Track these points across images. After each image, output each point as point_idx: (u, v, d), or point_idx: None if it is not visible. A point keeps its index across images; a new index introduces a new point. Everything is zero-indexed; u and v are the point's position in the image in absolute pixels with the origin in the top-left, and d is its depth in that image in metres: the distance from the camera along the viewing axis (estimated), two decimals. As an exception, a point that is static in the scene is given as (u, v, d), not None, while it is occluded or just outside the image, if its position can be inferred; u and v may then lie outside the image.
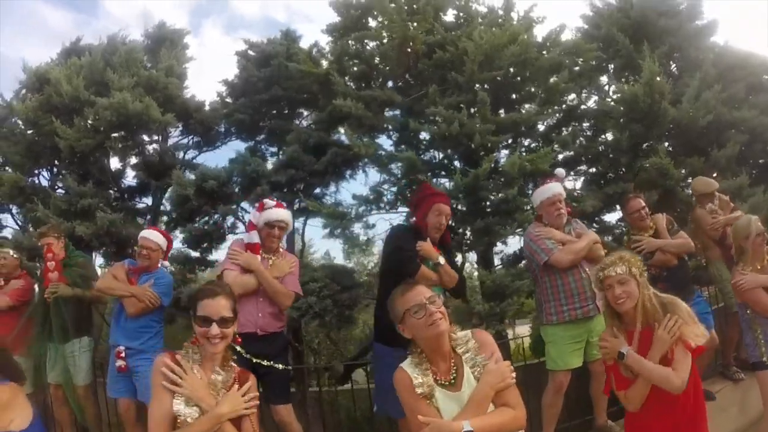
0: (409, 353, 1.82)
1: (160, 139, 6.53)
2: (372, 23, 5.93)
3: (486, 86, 4.81)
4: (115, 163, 6.74)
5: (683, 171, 5.45)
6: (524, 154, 4.66)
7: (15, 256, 4.08)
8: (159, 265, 3.55)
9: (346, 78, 5.08)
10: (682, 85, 5.93)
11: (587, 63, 5.99)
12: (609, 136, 5.87)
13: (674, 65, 6.79)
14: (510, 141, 4.90)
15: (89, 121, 6.15)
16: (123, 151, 6.36)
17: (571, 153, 5.46)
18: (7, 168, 6.58)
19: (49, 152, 6.52)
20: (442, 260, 2.80)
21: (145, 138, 6.41)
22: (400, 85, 5.08)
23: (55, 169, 6.92)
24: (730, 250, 3.85)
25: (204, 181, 4.88)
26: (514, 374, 1.75)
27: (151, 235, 3.50)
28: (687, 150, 5.72)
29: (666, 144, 5.81)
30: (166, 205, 6.33)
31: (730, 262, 3.76)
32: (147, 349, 3.28)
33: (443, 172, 4.81)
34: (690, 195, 5.08)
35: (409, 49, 4.86)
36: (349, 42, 5.22)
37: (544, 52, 5.56)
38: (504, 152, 5.05)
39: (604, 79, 6.81)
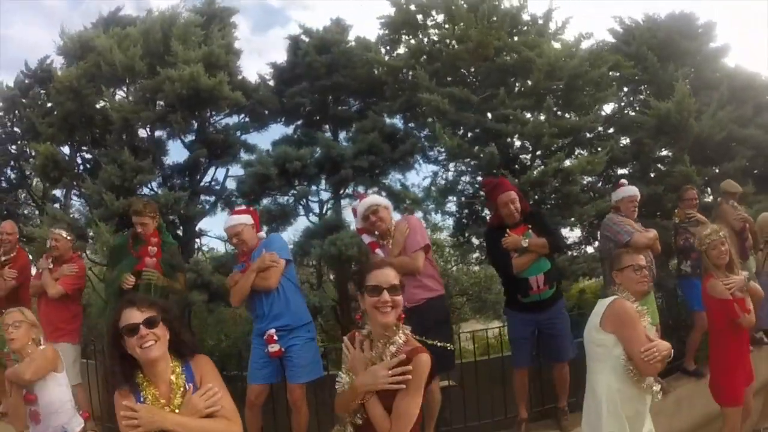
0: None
1: (222, 116, 6.68)
2: (431, 21, 6.41)
3: (549, 93, 5.43)
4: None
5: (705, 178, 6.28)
6: (582, 155, 5.34)
7: (68, 237, 3.90)
8: (257, 239, 3.29)
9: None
10: (700, 103, 6.77)
11: (623, 78, 6.73)
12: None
13: (690, 84, 7.65)
14: (567, 143, 5.56)
15: (147, 93, 6.20)
16: (183, 127, 6.27)
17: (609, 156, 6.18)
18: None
19: (86, 123, 6.41)
20: (525, 243, 3.29)
21: (208, 114, 6.47)
22: (470, 83, 5.62)
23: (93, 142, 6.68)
24: (746, 242, 4.74)
25: (288, 161, 5.21)
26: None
27: (235, 221, 3.25)
28: (703, 161, 6.57)
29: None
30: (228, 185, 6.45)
31: (744, 253, 4.65)
32: (295, 324, 3.12)
33: (517, 167, 5.41)
34: (706, 200, 5.96)
35: (481, 52, 5.38)
36: (424, 40, 5.68)
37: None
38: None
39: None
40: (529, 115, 5.14)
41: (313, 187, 5.89)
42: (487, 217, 4.78)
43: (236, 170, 6.48)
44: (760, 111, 7.21)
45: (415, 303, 2.99)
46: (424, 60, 5.61)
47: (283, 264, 3.10)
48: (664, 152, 6.81)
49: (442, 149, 5.37)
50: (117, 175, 5.54)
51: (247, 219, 3.26)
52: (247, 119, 7.04)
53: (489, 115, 5.37)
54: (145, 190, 6.11)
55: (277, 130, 7.19)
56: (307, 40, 7.07)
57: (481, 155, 4.96)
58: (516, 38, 5.99)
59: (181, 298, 4.27)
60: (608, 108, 6.78)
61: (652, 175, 6.29)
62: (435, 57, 5.71)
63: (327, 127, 6.67)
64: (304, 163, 5.24)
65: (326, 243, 4.77)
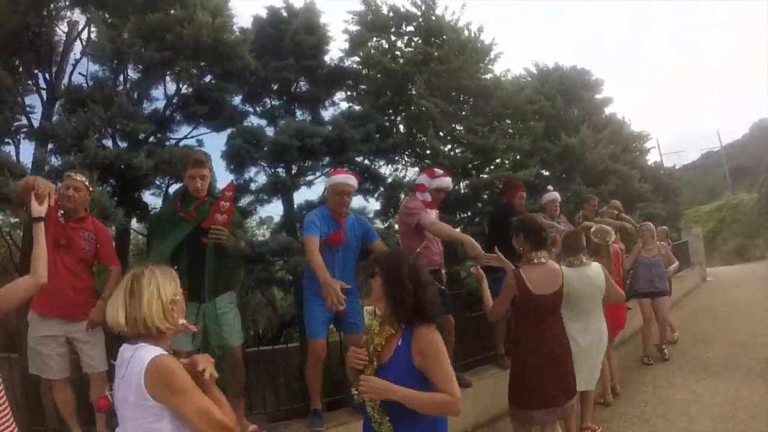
0: None
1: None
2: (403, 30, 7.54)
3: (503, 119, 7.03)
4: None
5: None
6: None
7: (90, 188, 3.16)
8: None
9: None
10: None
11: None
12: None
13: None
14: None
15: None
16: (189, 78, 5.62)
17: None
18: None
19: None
20: None
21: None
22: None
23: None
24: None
25: (307, 136, 5.51)
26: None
27: (351, 180, 3.36)
28: (588, 182, 8.86)
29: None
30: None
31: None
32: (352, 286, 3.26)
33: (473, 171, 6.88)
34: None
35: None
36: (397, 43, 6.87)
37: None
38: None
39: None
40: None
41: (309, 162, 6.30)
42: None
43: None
44: (625, 151, 9.86)
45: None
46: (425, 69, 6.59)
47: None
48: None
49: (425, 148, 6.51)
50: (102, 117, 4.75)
51: (355, 183, 3.43)
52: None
53: (456, 126, 6.74)
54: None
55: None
56: (285, 15, 6.94)
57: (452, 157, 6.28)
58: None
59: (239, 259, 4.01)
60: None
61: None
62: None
63: (294, 106, 7.01)
64: (318, 141, 5.57)
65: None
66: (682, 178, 16.54)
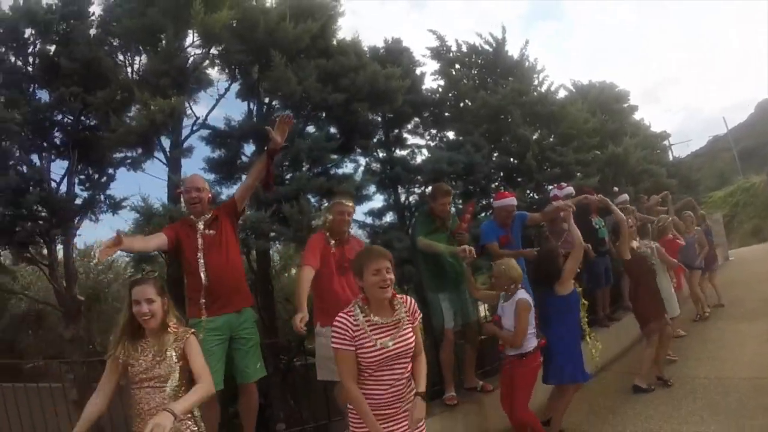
0: None
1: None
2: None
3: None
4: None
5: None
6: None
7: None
8: None
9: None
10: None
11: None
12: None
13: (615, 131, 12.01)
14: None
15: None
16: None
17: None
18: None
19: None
20: None
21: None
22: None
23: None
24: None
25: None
26: None
27: (514, 200, 5.04)
28: (629, 184, 10.86)
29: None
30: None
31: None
32: None
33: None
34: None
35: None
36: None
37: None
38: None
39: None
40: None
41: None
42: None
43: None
44: (650, 150, 11.91)
45: None
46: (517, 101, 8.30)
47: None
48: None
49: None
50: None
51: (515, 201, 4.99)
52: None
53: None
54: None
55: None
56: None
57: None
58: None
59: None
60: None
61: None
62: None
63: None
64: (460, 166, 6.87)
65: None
66: (693, 166, 18.18)
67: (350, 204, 3.77)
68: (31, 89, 6.78)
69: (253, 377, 3.46)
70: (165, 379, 2.54)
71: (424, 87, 8.09)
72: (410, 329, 2.59)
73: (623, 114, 11.92)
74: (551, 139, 8.49)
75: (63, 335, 7.17)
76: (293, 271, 10.32)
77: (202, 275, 3.35)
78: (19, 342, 10.39)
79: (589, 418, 4.60)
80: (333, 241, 3.66)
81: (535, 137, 8.12)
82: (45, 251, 6.88)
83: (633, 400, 4.83)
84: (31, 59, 6.70)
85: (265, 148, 3.34)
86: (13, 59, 6.69)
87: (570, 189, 6.00)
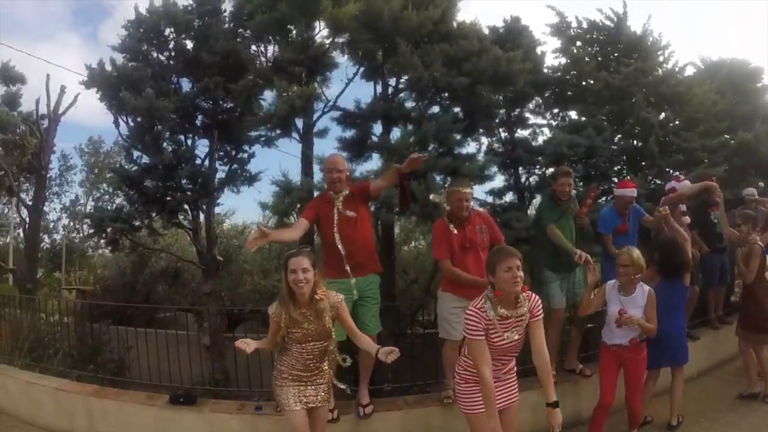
0: None
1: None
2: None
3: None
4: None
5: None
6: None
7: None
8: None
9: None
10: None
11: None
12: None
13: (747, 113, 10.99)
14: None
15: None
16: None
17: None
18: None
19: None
20: None
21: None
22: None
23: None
24: None
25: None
26: None
27: (633, 192, 4.93)
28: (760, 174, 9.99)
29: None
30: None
31: None
32: None
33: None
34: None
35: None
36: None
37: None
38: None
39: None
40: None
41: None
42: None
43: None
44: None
45: None
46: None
47: None
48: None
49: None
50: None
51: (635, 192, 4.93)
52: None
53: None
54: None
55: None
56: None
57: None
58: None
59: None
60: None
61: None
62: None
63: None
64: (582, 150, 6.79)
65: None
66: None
67: (467, 190, 3.96)
68: (175, 80, 7.75)
69: (373, 331, 3.91)
70: (320, 338, 3.06)
71: (545, 65, 8.09)
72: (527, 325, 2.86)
73: (756, 95, 10.87)
74: (676, 123, 8.05)
75: (202, 289, 8.25)
76: (413, 244, 10.91)
77: (339, 246, 3.87)
78: (154, 294, 11.89)
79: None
80: (452, 225, 3.95)
81: (659, 120, 7.74)
82: (190, 218, 7.87)
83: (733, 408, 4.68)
84: (172, 54, 7.64)
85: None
86: (155, 54, 7.69)
87: (687, 183, 5.46)
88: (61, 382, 5.06)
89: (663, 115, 8.20)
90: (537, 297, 2.91)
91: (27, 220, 12.66)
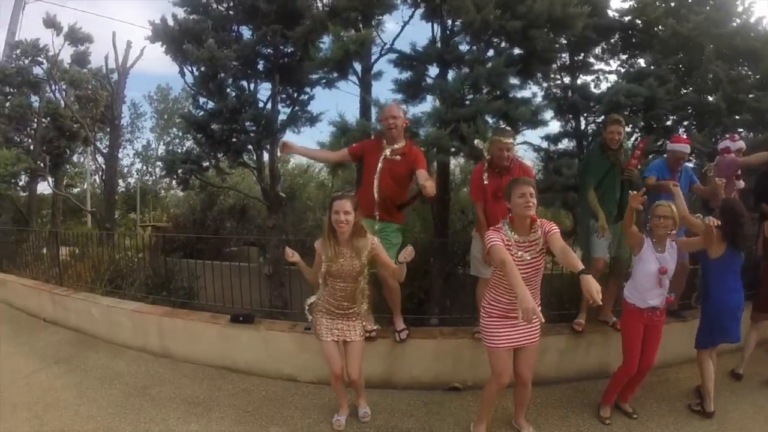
0: None
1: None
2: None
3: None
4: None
5: None
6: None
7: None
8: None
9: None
10: None
11: None
12: None
13: None
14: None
15: None
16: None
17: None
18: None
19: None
20: None
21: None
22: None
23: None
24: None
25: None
26: None
27: (686, 149, 4.83)
28: None
29: None
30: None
31: None
32: None
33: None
34: None
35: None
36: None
37: None
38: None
39: None
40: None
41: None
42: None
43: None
44: None
45: None
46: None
47: None
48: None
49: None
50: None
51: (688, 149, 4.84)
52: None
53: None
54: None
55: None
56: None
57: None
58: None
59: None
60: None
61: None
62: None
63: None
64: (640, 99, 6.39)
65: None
66: None
67: (509, 140, 4.05)
68: (235, 29, 8.00)
69: None
70: (358, 275, 3.45)
71: (613, 9, 7.64)
72: (543, 251, 3.17)
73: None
74: (749, 81, 7.42)
75: (266, 224, 8.91)
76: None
77: (375, 192, 4.20)
78: (222, 230, 12.88)
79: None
80: (486, 174, 4.18)
81: (729, 74, 7.18)
82: (254, 158, 8.38)
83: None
84: (231, 4, 7.84)
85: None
86: (215, 6, 7.95)
87: (741, 143, 5.18)
88: (137, 305, 5.81)
89: (735, 70, 7.57)
90: (550, 224, 3.19)
91: (103, 166, 13.90)
